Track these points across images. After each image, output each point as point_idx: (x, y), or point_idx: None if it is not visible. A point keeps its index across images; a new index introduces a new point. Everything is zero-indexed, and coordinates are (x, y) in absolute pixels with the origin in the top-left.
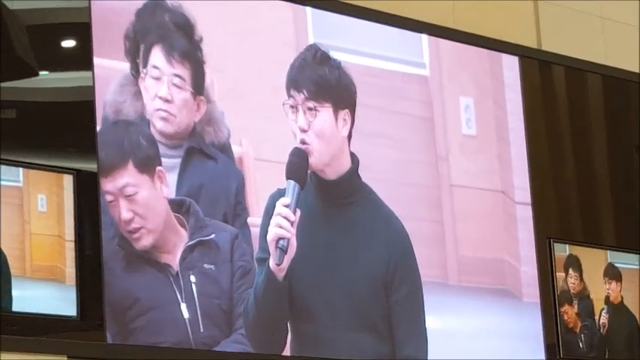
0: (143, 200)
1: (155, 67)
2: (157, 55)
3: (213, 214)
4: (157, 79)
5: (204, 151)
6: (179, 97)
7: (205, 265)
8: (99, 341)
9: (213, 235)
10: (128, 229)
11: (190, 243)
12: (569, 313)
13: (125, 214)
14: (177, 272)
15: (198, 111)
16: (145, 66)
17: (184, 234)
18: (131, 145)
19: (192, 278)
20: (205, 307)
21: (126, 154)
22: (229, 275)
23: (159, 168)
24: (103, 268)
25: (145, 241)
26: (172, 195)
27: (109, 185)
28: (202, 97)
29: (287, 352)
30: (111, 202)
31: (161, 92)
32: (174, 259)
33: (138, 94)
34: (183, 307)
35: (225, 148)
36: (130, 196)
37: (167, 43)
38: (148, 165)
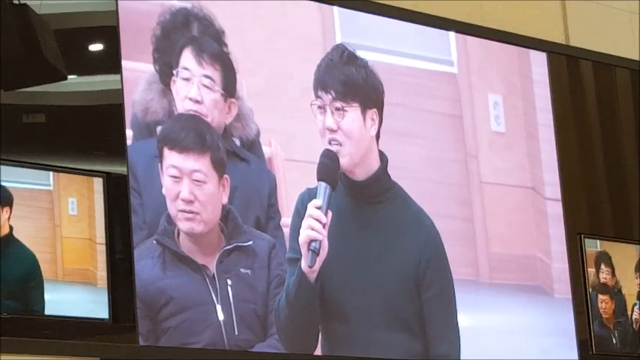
0: (208, 192)
1: (185, 68)
2: (187, 57)
3: (247, 217)
4: (187, 79)
5: (237, 154)
6: (209, 98)
7: (242, 270)
8: (131, 343)
9: (250, 242)
10: (184, 208)
11: (228, 247)
12: (609, 303)
13: (187, 194)
14: (213, 275)
15: (230, 113)
16: (175, 68)
17: (222, 239)
18: (212, 141)
19: (229, 281)
20: (240, 311)
21: (206, 145)
22: (266, 282)
23: (226, 175)
24: (134, 270)
25: (196, 226)
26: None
27: (178, 160)
28: (233, 100)
29: (318, 351)
30: (174, 177)
31: (191, 93)
32: (211, 262)
33: (165, 92)
34: (219, 308)
35: (255, 146)
36: (197, 181)
37: (197, 45)
38: (221, 166)
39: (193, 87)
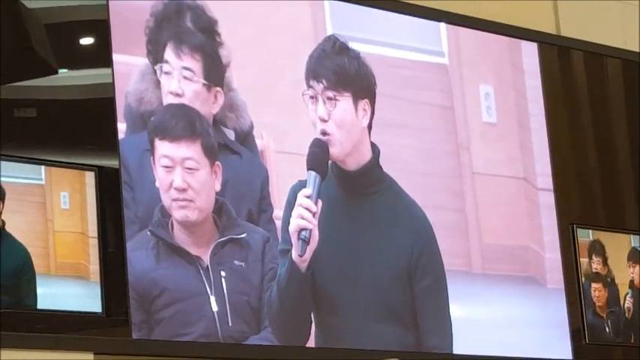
0: (201, 179)
1: (166, 62)
2: (168, 52)
3: (239, 211)
4: (168, 73)
5: (229, 147)
6: (190, 90)
7: (236, 262)
8: (125, 337)
9: (244, 234)
10: (178, 196)
11: (222, 239)
12: (602, 292)
13: (180, 182)
14: (207, 266)
15: (216, 102)
16: (160, 63)
17: (216, 231)
18: (202, 128)
19: (223, 273)
20: (234, 302)
21: (196, 132)
22: (260, 274)
23: (217, 162)
24: (127, 263)
25: (190, 214)
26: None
27: (169, 149)
28: (219, 89)
29: (311, 343)
30: (166, 167)
31: (172, 87)
32: (205, 253)
33: (158, 83)
34: (212, 299)
35: (249, 139)
36: (189, 169)
37: (177, 38)
38: (212, 153)
39: (174, 80)
